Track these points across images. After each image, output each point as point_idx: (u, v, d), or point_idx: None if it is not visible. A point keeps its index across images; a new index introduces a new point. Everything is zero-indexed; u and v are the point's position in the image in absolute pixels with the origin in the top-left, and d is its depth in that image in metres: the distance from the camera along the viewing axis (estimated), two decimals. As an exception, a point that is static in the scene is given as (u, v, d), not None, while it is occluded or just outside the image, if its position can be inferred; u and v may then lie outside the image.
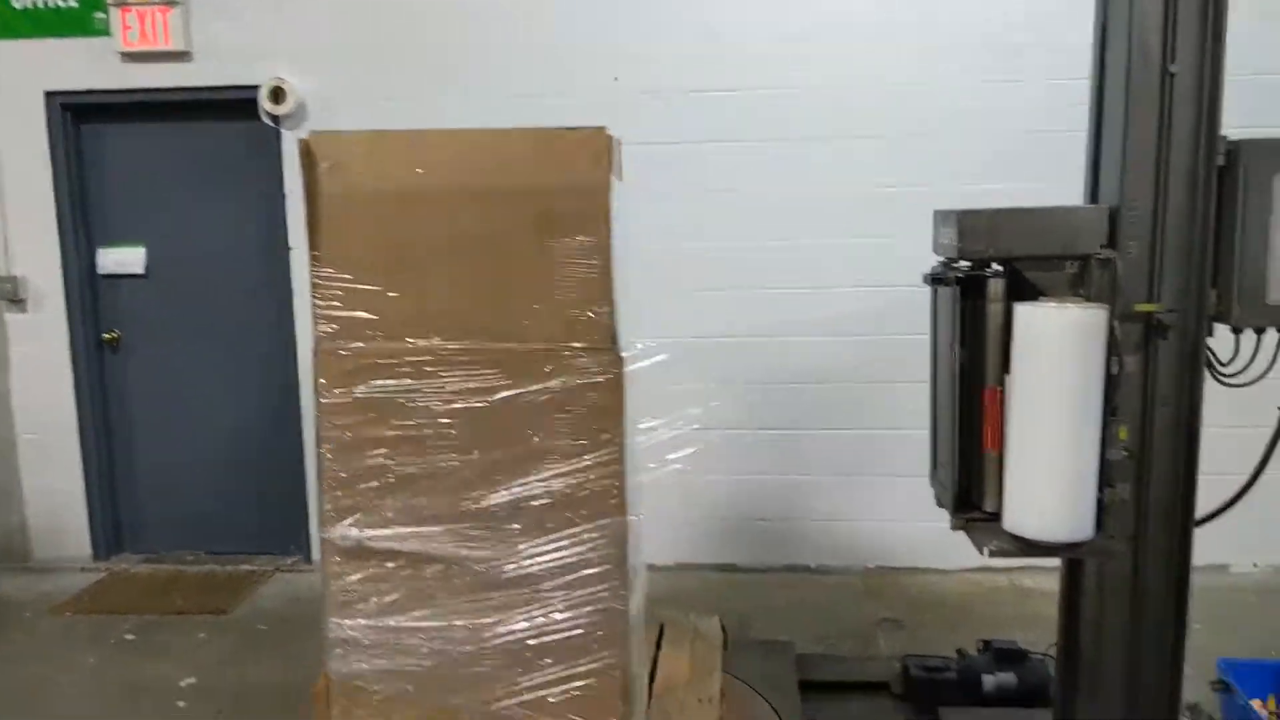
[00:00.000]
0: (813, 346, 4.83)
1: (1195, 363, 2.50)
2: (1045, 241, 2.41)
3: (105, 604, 4.79)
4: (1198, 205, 2.41)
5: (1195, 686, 3.43)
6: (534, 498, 2.36)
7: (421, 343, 2.41)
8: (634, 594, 2.52)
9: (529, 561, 2.40)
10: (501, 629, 2.41)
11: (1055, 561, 4.55)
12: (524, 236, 2.34)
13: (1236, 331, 2.46)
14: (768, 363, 4.86)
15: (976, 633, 3.87)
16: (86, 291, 5.13)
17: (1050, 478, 2.30)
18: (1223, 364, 2.53)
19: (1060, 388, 2.26)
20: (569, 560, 2.38)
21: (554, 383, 2.35)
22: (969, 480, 2.55)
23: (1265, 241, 2.36)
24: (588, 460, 2.34)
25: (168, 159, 5.06)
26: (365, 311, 2.39)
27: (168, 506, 5.34)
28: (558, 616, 2.40)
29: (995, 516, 2.46)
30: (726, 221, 4.80)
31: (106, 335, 5.19)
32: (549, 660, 2.41)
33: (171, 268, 5.14)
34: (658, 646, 3.27)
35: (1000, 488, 2.45)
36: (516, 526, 2.38)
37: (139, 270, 5.13)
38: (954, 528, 2.56)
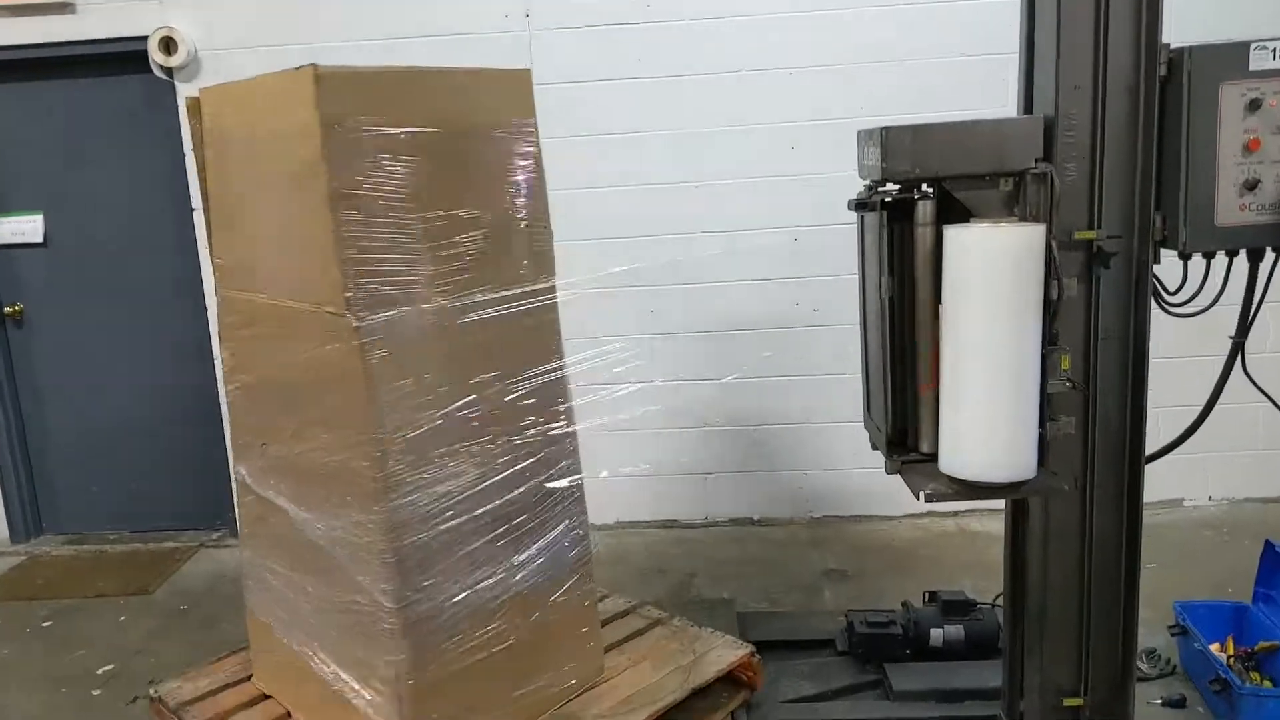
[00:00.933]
0: (747, 290, 4.64)
1: (1141, 293, 2.33)
2: (975, 158, 2.20)
3: (23, 590, 4.55)
4: (1139, 120, 2.22)
5: (1153, 630, 3.35)
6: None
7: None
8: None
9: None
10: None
11: (1001, 504, 4.45)
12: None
13: (1184, 258, 2.29)
14: (704, 309, 4.67)
15: (925, 581, 3.78)
16: (-18, 264, 4.82)
17: (987, 413, 2.13)
18: (1170, 293, 2.37)
19: (994, 315, 2.08)
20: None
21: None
22: (904, 421, 2.38)
23: (1213, 158, 2.17)
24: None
25: (58, 120, 4.72)
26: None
27: (88, 484, 5.08)
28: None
29: (933, 458, 2.30)
30: (637, 161, 4.56)
31: (8, 309, 4.88)
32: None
33: (71, 235, 4.83)
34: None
35: (935, 428, 2.29)
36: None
37: (37, 239, 4.81)
38: (889, 471, 2.39)
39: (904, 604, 3.45)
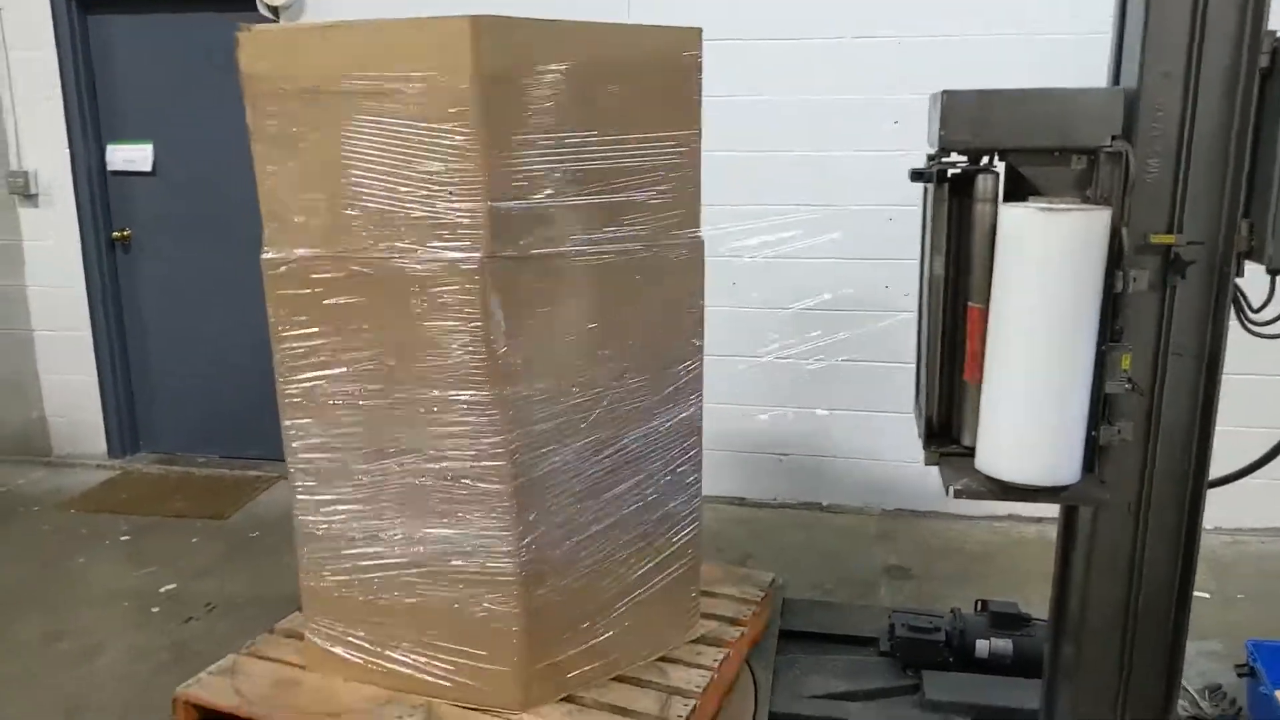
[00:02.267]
0: (835, 269, 4.46)
1: (1220, 306, 2.11)
2: (1043, 130, 2.01)
3: (110, 503, 4.80)
4: (1234, 115, 2.00)
5: (1225, 666, 3.11)
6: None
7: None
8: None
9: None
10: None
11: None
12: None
13: (1272, 273, 2.06)
14: (788, 286, 4.52)
15: (991, 588, 3.60)
16: (97, 188, 5.04)
17: (1027, 408, 1.98)
18: (1254, 309, 2.14)
19: (1045, 304, 1.92)
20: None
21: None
22: (949, 410, 2.24)
23: (1311, 160, 1.94)
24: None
25: (173, 51, 4.87)
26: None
27: (182, 407, 5.32)
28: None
29: (972, 452, 2.16)
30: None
31: (117, 234, 5.11)
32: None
33: (180, 166, 5.01)
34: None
35: (978, 420, 2.14)
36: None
37: (147, 168, 5.01)
38: (927, 462, 2.26)
39: (953, 610, 3.28)
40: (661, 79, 2.44)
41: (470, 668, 2.51)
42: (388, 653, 2.60)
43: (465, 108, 2.15)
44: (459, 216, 2.23)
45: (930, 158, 2.19)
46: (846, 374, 4.58)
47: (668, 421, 2.66)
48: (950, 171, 2.13)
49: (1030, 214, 1.93)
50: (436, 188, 2.24)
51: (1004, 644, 3.10)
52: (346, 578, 2.63)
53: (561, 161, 2.28)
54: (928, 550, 4.31)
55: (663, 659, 2.75)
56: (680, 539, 2.79)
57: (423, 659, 2.56)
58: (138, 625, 3.63)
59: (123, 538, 4.41)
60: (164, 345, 5.26)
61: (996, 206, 2.08)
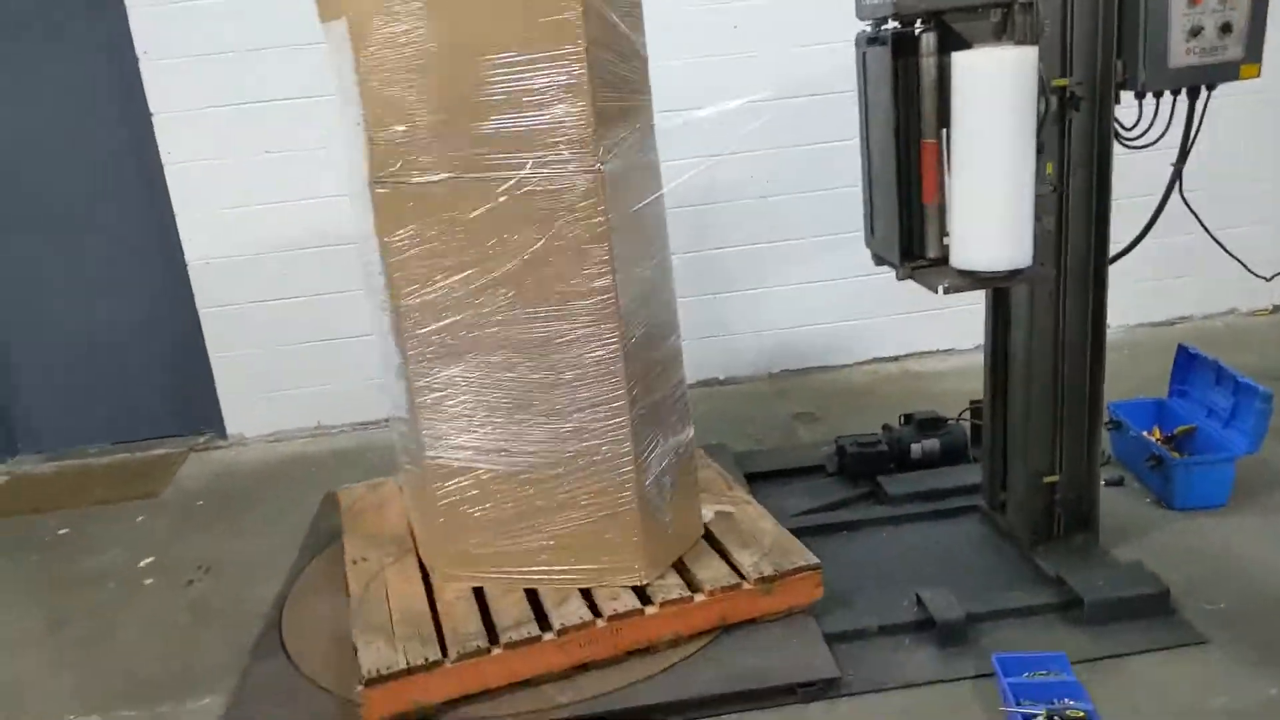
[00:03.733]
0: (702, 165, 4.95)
1: (1104, 128, 2.79)
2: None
3: (19, 506, 4.60)
4: (1102, -19, 2.64)
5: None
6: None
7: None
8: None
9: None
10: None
11: (940, 344, 5.07)
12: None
13: (1139, 96, 2.75)
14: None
15: (881, 415, 4.23)
16: (-75, 184, 4.68)
17: (996, 211, 2.53)
18: (1127, 129, 2.83)
19: (1004, 125, 2.46)
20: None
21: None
22: (909, 234, 2.79)
23: (1166, 10, 2.61)
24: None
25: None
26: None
27: (59, 401, 5.08)
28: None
29: (937, 262, 2.73)
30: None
31: (-42, 229, 4.77)
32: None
33: (15, 153, 4.71)
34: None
35: (940, 235, 2.71)
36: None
37: (-20, 157, 4.70)
38: (900, 277, 2.82)
39: (884, 426, 3.96)
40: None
41: (597, 553, 2.91)
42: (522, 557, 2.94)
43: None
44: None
45: (874, 25, 2.71)
46: (726, 258, 5.11)
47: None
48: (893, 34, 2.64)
49: (987, 55, 2.48)
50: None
51: (932, 444, 3.81)
52: (469, 489, 2.92)
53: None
54: (820, 397, 4.99)
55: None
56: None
57: (551, 555, 2.93)
58: (138, 598, 3.65)
59: (61, 531, 4.29)
60: (28, 340, 4.99)
61: (937, 59, 2.60)
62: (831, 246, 5.11)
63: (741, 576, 2.94)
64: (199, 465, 4.90)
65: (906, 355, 5.33)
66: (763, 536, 3.13)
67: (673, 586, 2.92)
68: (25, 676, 3.22)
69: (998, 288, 3.07)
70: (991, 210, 2.54)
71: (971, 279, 2.64)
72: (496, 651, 2.70)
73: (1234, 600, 2.93)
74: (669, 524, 3.00)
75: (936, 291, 2.66)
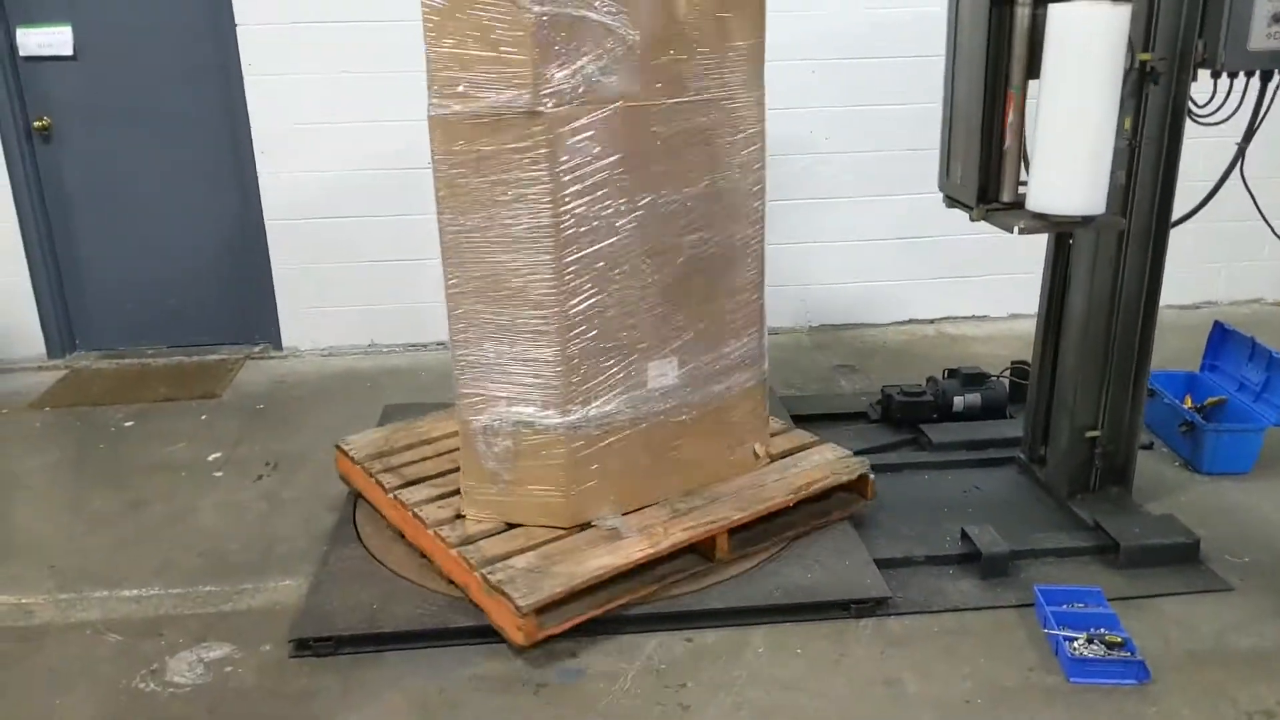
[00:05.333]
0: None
1: (1180, 103, 2.94)
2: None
3: (84, 397, 4.77)
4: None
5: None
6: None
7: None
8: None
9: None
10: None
11: (975, 310, 5.23)
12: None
13: (1216, 76, 2.89)
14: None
15: (921, 372, 4.42)
16: (9, 75, 4.78)
17: (1079, 157, 2.67)
18: (1199, 106, 2.98)
19: (1094, 75, 2.60)
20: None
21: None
22: (986, 178, 2.94)
23: (1252, -10, 2.75)
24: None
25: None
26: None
27: (121, 301, 5.24)
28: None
29: (1010, 206, 2.90)
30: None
31: (37, 123, 4.89)
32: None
33: (102, 49, 4.83)
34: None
35: (1016, 180, 2.88)
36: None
37: (67, 52, 4.80)
38: (974, 218, 2.98)
39: (929, 379, 4.13)
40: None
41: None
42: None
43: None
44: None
45: None
46: (775, 211, 5.25)
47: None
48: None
49: (1087, 7, 2.59)
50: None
51: (974, 397, 3.99)
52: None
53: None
54: (859, 352, 5.17)
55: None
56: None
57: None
58: (211, 487, 3.84)
59: (127, 423, 4.47)
60: (94, 238, 5.13)
61: (1032, 9, 2.75)
62: (878, 207, 5.27)
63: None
64: (256, 372, 5.07)
65: (942, 319, 5.51)
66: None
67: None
68: (109, 550, 3.41)
69: (1068, 232, 3.20)
70: (1074, 156, 2.67)
71: (1045, 222, 2.78)
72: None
73: (1258, 555, 3.13)
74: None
75: (1011, 231, 2.80)
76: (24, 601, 3.12)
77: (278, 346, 5.27)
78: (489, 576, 2.76)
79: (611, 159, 2.78)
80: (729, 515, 3.05)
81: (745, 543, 3.10)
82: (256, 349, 5.30)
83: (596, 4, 2.65)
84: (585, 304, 2.85)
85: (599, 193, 2.79)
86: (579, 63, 2.67)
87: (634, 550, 2.88)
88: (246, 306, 5.24)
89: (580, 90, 2.69)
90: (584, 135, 2.73)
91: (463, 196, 2.84)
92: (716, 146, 3.01)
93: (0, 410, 4.64)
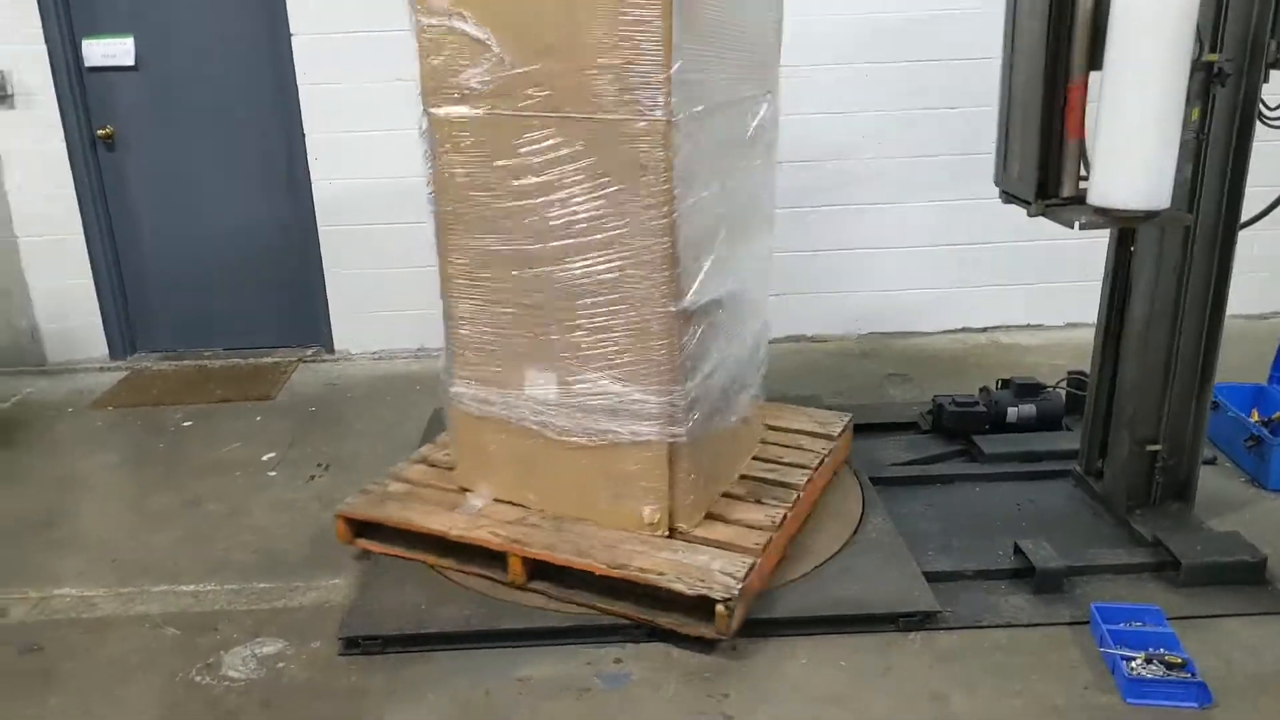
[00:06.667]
0: (818, 122, 5.04)
1: (1250, 105, 2.86)
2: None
3: (144, 398, 4.89)
4: (1263, -41, 2.70)
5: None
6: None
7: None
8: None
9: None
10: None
11: (1030, 318, 5.12)
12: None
13: (1296, 76, 2.81)
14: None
15: (974, 382, 4.34)
16: (76, 86, 4.92)
17: (1143, 151, 2.59)
18: (1270, 109, 2.89)
19: (1164, 66, 2.52)
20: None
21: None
22: (1046, 171, 2.86)
23: (1333, -11, 2.66)
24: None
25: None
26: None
27: (180, 304, 5.35)
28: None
29: (1071, 201, 2.81)
30: None
31: (101, 131, 5.02)
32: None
33: (163, 59, 4.94)
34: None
35: (1076, 175, 2.79)
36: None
37: (129, 62, 4.93)
38: (1032, 214, 2.90)
39: (982, 389, 4.07)
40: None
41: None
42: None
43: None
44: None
45: None
46: (824, 218, 5.21)
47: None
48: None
49: None
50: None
51: (1029, 408, 3.91)
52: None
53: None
54: (910, 361, 5.10)
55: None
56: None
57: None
58: (265, 487, 3.90)
59: (185, 423, 4.56)
60: (155, 243, 5.25)
61: None
62: (928, 213, 5.20)
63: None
64: (309, 375, 5.15)
65: (995, 327, 5.42)
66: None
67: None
68: (168, 546, 3.48)
69: (1130, 233, 3.13)
70: (1139, 147, 2.59)
71: (1107, 217, 2.70)
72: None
73: (1327, 576, 3.03)
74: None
75: (1072, 227, 2.73)
76: (87, 594, 3.20)
77: (330, 350, 5.35)
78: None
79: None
80: (549, 544, 2.98)
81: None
82: (309, 352, 5.38)
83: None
84: (467, 294, 3.13)
85: (481, 194, 2.96)
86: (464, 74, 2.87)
87: (446, 523, 3.10)
88: (299, 310, 5.33)
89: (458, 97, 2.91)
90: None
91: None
92: (595, 166, 2.78)
93: (65, 409, 4.77)
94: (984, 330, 5.41)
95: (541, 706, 2.59)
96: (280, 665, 2.80)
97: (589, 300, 2.90)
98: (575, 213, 2.83)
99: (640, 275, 2.80)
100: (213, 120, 5.05)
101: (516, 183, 2.88)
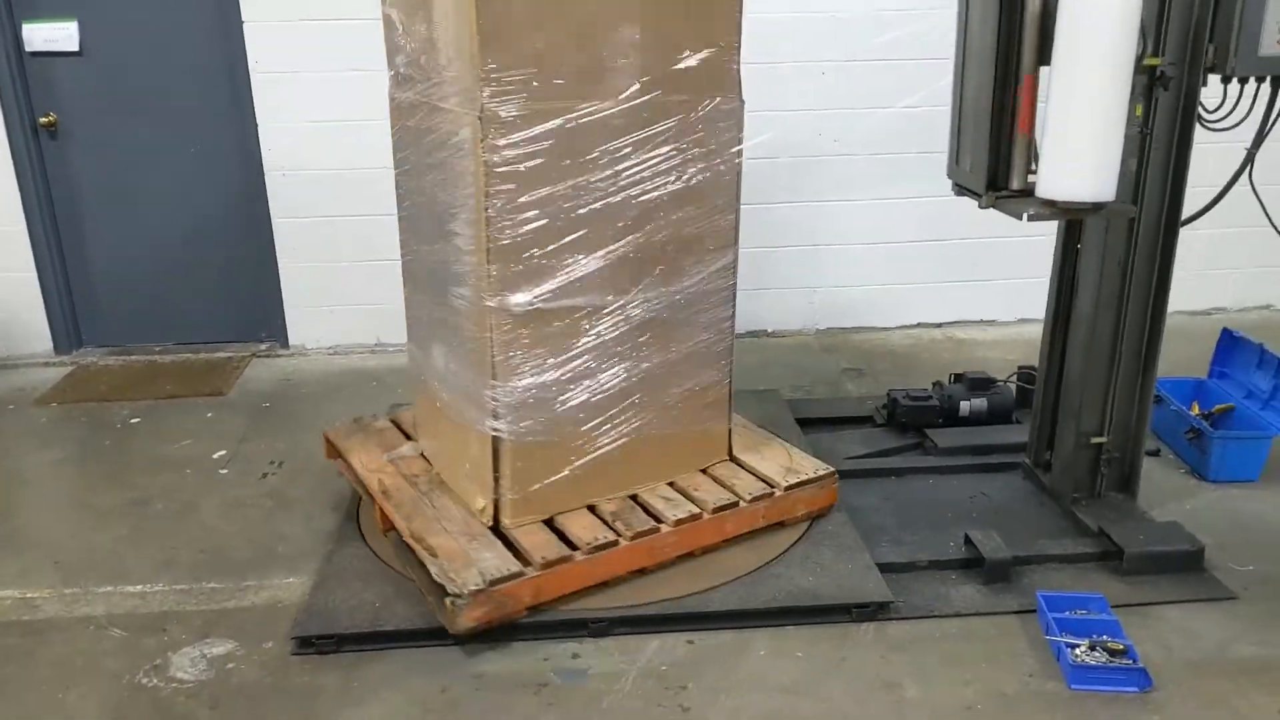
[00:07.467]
0: (777, 120, 5.07)
1: (1190, 108, 2.93)
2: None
3: (90, 393, 4.78)
4: (1201, -37, 2.76)
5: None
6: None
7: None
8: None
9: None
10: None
11: (984, 313, 5.19)
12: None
13: (1226, 81, 2.88)
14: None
15: (928, 376, 4.41)
16: (16, 71, 4.79)
17: (1089, 145, 2.64)
18: (1209, 111, 2.97)
19: (1109, 63, 2.58)
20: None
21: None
22: (996, 165, 2.92)
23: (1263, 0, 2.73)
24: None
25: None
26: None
27: (128, 297, 5.25)
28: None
29: (1020, 193, 2.87)
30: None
31: (43, 119, 4.90)
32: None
33: (108, 44, 4.83)
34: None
35: (1026, 168, 2.85)
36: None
37: (73, 47, 4.81)
38: (983, 205, 2.95)
39: (935, 383, 4.12)
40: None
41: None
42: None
43: None
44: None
45: None
46: (783, 213, 5.25)
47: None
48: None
49: None
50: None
51: (980, 402, 3.98)
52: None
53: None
54: (866, 355, 5.15)
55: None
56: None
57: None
58: (217, 485, 3.84)
59: (133, 420, 4.48)
60: (101, 234, 5.14)
61: None
62: (886, 210, 5.26)
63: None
64: (263, 370, 5.08)
65: (950, 323, 5.50)
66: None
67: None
68: (114, 546, 3.42)
69: (1077, 229, 3.20)
70: (1084, 141, 2.64)
71: (1055, 208, 2.75)
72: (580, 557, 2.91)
73: (1263, 563, 3.12)
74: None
75: (1021, 218, 2.77)
76: (29, 596, 3.13)
77: (284, 345, 5.28)
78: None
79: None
80: (406, 504, 3.17)
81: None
82: (263, 347, 5.30)
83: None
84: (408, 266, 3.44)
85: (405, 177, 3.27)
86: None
87: (366, 460, 3.45)
88: (253, 304, 5.25)
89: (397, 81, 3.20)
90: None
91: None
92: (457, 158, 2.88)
93: (7, 406, 4.66)
94: (939, 326, 5.49)
95: (499, 702, 2.59)
96: (230, 666, 2.76)
97: (454, 288, 3.04)
98: (436, 199, 3.06)
99: (474, 264, 2.87)
100: (161, 108, 4.95)
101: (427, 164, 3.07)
